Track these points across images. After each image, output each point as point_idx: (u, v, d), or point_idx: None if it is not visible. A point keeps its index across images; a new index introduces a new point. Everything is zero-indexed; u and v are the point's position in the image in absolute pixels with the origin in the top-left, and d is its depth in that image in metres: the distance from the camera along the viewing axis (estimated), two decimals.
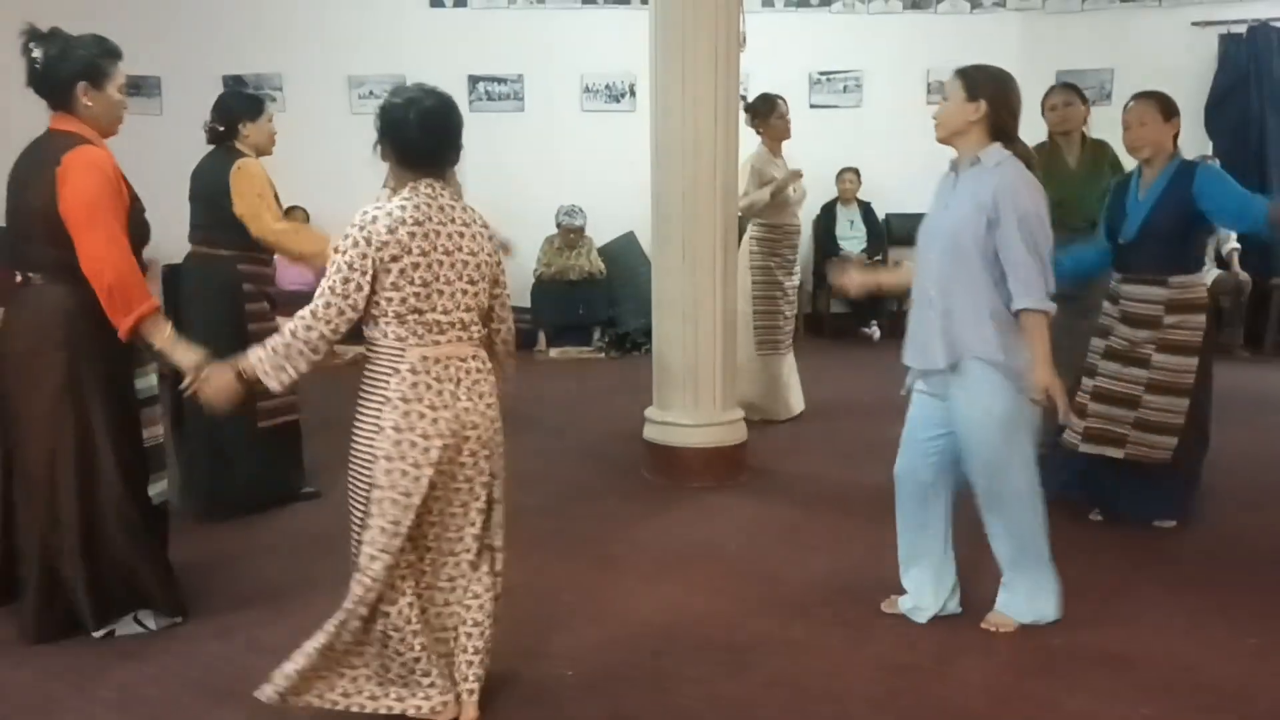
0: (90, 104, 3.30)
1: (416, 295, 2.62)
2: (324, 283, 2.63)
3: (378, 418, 2.66)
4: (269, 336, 4.12)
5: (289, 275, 7.32)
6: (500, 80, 8.81)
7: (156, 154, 8.11)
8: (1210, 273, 8.02)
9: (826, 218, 8.92)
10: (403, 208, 2.64)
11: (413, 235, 2.61)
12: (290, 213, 7.65)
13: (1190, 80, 8.36)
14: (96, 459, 3.31)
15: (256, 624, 3.56)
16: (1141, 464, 4.28)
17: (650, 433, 5.16)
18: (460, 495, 2.80)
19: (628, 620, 3.59)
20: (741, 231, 5.65)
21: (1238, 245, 8.07)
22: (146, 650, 3.37)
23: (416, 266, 2.61)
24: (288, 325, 2.68)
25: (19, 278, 3.34)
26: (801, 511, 4.65)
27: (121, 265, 3.20)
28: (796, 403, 6.28)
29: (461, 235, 2.69)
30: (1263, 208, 4.04)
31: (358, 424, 2.72)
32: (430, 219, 2.65)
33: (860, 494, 4.79)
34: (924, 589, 3.53)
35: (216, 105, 4.67)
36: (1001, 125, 3.25)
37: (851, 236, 9.03)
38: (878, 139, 8.69)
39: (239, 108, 4.65)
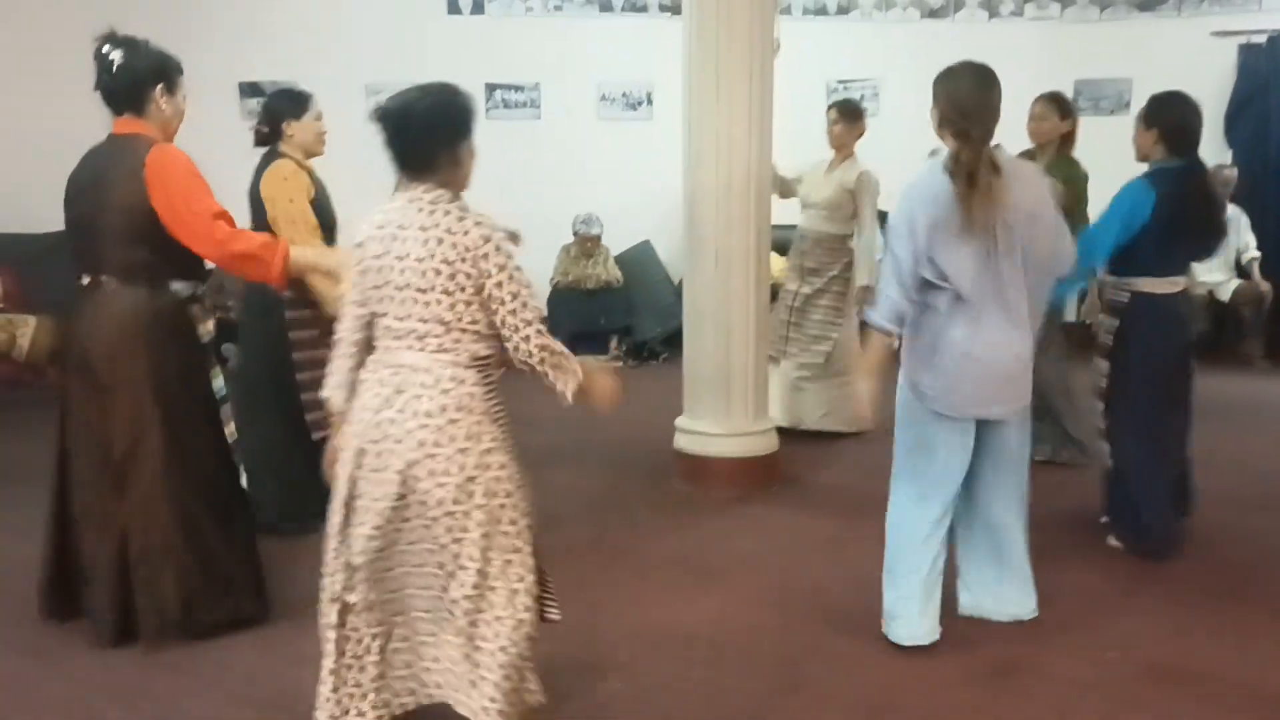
0: (164, 108, 3.38)
1: (372, 299, 2.61)
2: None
3: None
4: (309, 345, 4.28)
5: None
6: (517, 88, 8.76)
7: None
8: (1231, 283, 8.00)
9: None
10: (381, 212, 2.63)
11: (372, 239, 2.60)
12: None
13: (1209, 90, 8.30)
14: (186, 458, 3.36)
15: (297, 635, 3.49)
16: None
17: (681, 442, 5.11)
18: (396, 522, 2.60)
19: (674, 632, 3.54)
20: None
21: (1257, 254, 8.03)
22: (186, 662, 3.32)
23: (369, 271, 2.59)
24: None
25: (86, 280, 3.35)
26: (837, 522, 4.59)
27: (235, 230, 3.31)
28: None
29: (415, 240, 2.54)
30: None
31: None
32: (393, 222, 2.58)
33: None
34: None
35: (263, 106, 4.55)
36: (948, 127, 3.16)
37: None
38: (895, 147, 8.59)
39: (281, 106, 4.45)
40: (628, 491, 5.05)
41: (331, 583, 2.67)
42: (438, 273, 2.52)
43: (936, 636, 3.38)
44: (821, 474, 5.31)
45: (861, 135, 5.95)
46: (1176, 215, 3.97)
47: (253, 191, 4.39)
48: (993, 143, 3.16)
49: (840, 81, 9.05)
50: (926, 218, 3.09)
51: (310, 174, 4.45)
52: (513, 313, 2.56)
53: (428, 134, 2.56)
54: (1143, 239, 3.99)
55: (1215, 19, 8.56)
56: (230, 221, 3.31)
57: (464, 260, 2.52)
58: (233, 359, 7.66)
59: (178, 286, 3.36)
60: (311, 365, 4.28)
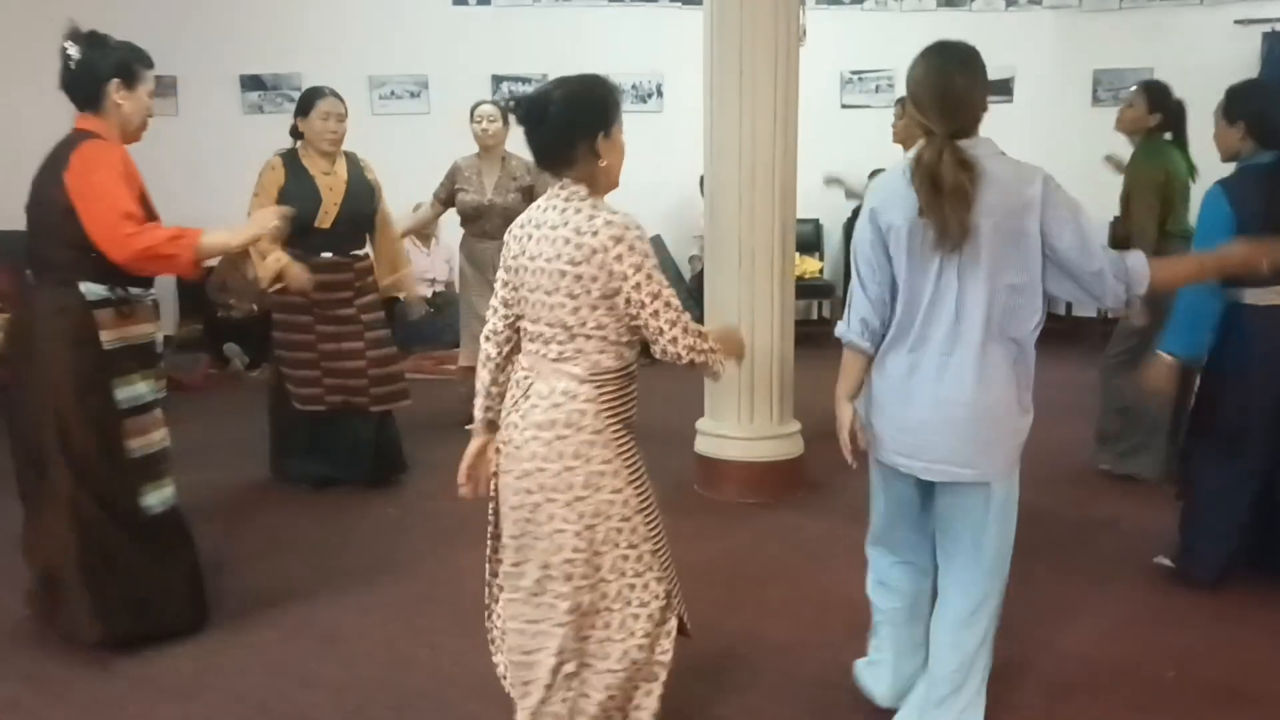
0: (121, 103, 3.27)
1: (512, 300, 2.53)
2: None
3: None
4: (291, 326, 4.83)
5: None
6: (525, 80, 8.54)
7: (172, 155, 7.91)
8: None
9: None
10: (532, 207, 2.52)
11: (516, 239, 2.50)
12: None
13: (1232, 80, 8.04)
14: (82, 467, 3.23)
15: (308, 656, 3.34)
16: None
17: (702, 445, 4.93)
18: (534, 526, 2.50)
19: (705, 650, 3.34)
20: None
21: None
22: (192, 687, 3.15)
23: (510, 270, 2.51)
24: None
25: (27, 273, 3.33)
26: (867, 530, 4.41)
27: (138, 228, 3.14)
28: None
29: (545, 239, 2.41)
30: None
31: None
32: (531, 220, 2.46)
33: None
34: None
35: None
36: (914, 122, 2.62)
37: None
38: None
39: (297, 105, 4.78)
40: None
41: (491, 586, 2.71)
42: (562, 274, 2.37)
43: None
44: (850, 478, 5.08)
45: None
46: (1269, 217, 3.48)
47: None
48: (979, 136, 2.56)
49: (854, 72, 8.87)
50: (885, 223, 2.58)
51: (298, 167, 4.75)
52: (654, 314, 2.40)
53: (563, 126, 2.40)
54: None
55: (1238, 7, 8.35)
56: (138, 220, 3.15)
57: (589, 262, 2.36)
58: (236, 357, 7.53)
59: (87, 288, 3.20)
60: (292, 347, 4.79)
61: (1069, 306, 8.50)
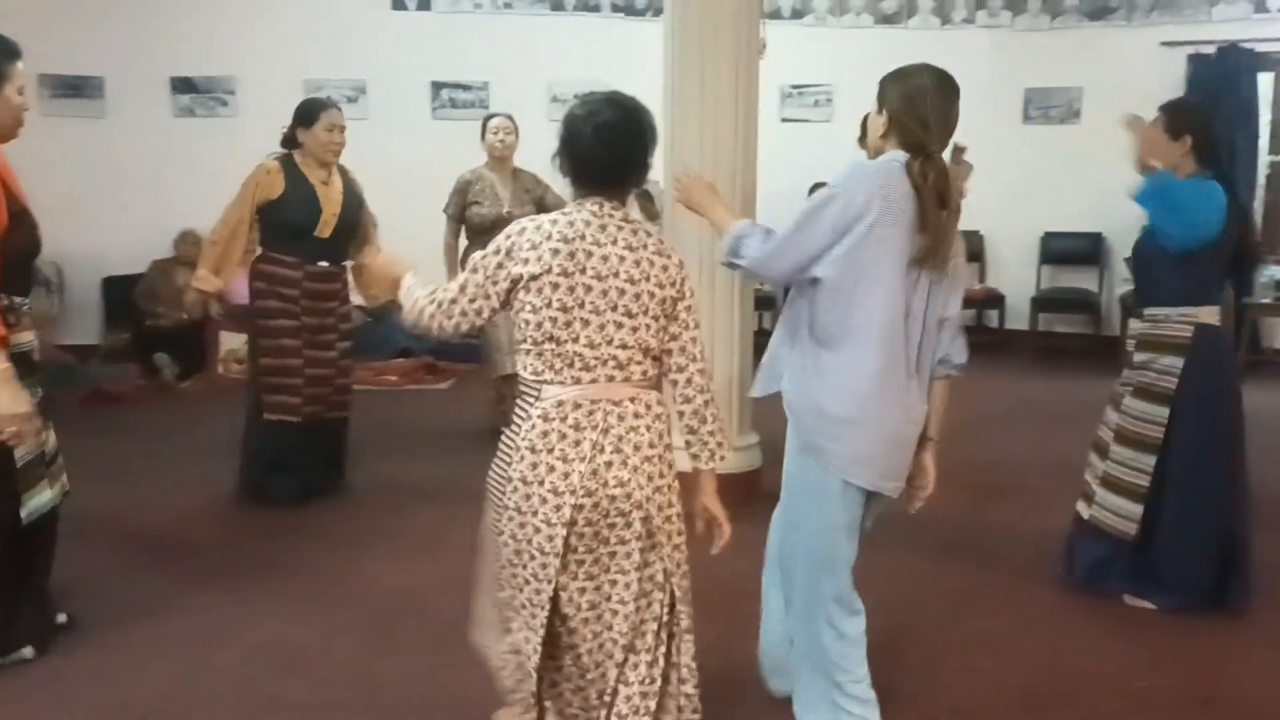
0: None
1: (554, 321, 2.30)
2: (461, 276, 2.41)
3: (507, 466, 2.39)
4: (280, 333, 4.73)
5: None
6: (465, 87, 8.48)
7: (97, 159, 7.71)
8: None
9: None
10: (554, 222, 2.34)
11: (555, 252, 2.29)
12: None
13: (1158, 100, 8.24)
14: None
15: (272, 677, 3.24)
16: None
17: None
18: (616, 563, 2.42)
19: None
20: None
21: None
22: (156, 711, 3.03)
23: (556, 287, 2.29)
24: (427, 289, 2.47)
25: None
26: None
27: None
28: None
29: (621, 260, 2.31)
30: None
31: (492, 466, 2.47)
32: (583, 237, 2.31)
33: (885, 523, 4.58)
34: None
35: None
36: (900, 136, 2.61)
37: None
38: (849, 154, 8.54)
39: (298, 113, 4.74)
40: None
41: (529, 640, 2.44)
42: (651, 296, 2.35)
43: None
44: None
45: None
46: (1230, 234, 3.56)
47: None
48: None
49: (794, 87, 8.95)
50: (879, 230, 2.51)
51: (297, 176, 4.67)
52: (693, 340, 2.44)
53: (641, 149, 2.37)
54: (1201, 259, 3.53)
55: (1165, 29, 8.61)
56: None
57: (672, 285, 2.38)
58: (167, 367, 7.31)
59: None
60: (278, 354, 4.69)
61: (1001, 318, 8.69)
